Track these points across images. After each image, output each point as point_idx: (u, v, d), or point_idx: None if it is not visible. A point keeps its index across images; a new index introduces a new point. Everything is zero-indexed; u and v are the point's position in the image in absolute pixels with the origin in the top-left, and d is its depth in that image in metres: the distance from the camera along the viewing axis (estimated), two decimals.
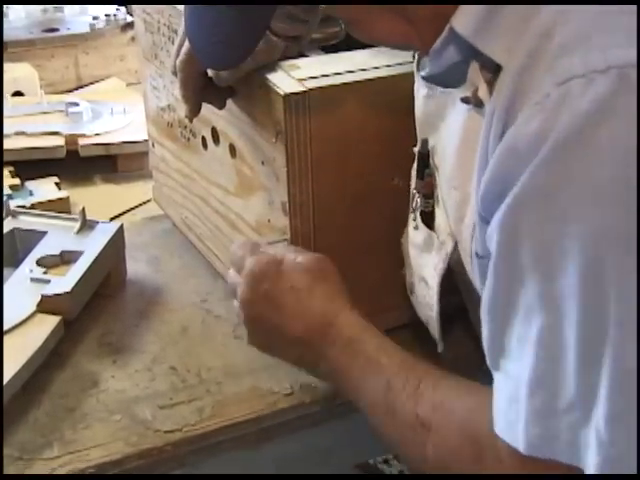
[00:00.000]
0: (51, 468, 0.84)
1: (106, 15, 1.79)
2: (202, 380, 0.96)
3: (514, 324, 0.67)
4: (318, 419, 0.95)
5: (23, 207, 1.20)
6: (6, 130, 1.41)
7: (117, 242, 1.11)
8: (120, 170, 1.44)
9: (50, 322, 0.97)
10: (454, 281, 0.89)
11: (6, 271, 1.06)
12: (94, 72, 1.75)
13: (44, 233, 1.11)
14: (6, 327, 0.95)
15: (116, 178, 1.43)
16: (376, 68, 0.92)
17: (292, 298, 0.85)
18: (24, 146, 1.39)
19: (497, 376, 0.70)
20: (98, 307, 1.07)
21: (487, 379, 0.71)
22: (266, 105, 0.91)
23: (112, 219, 1.24)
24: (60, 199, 1.28)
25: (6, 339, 0.93)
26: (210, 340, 1.03)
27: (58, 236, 1.10)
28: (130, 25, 1.75)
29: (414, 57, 0.84)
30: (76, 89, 1.72)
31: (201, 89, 0.96)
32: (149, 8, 1.15)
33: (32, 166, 1.35)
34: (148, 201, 1.33)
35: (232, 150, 1.02)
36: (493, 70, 0.69)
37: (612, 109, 0.60)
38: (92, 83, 1.75)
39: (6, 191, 1.26)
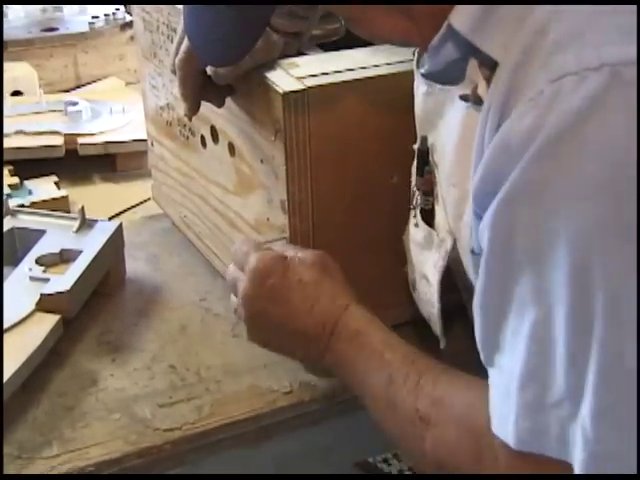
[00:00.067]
0: (50, 467, 0.84)
1: (105, 14, 1.79)
2: (201, 378, 0.96)
3: (508, 319, 0.67)
4: (317, 417, 0.95)
5: (22, 206, 1.20)
6: (5, 129, 1.41)
7: (116, 241, 1.11)
8: (119, 169, 1.44)
9: (49, 321, 0.97)
10: (453, 279, 0.89)
11: (5, 270, 1.06)
12: (93, 71, 1.75)
13: (43, 232, 1.11)
14: (5, 326, 0.95)
15: (115, 177, 1.43)
16: (375, 66, 0.92)
17: (299, 293, 0.86)
18: (23, 145, 1.39)
19: (492, 372, 0.70)
20: (97, 306, 1.07)
21: (486, 375, 0.71)
22: (265, 103, 0.91)
23: (111, 218, 1.24)
24: (59, 198, 1.28)
25: (5, 338, 0.93)
26: (209, 338, 1.03)
27: (57, 235, 1.10)
28: (129, 24, 1.74)
29: (414, 55, 0.84)
30: (75, 88, 1.72)
31: (200, 87, 0.96)
32: (148, 7, 1.15)
33: (31, 165, 1.35)
34: (147, 200, 1.33)
35: (231, 148, 1.02)
36: (491, 67, 0.69)
37: (604, 106, 0.60)
38: (91, 82, 1.74)
39: (5, 190, 1.26)
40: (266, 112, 0.91)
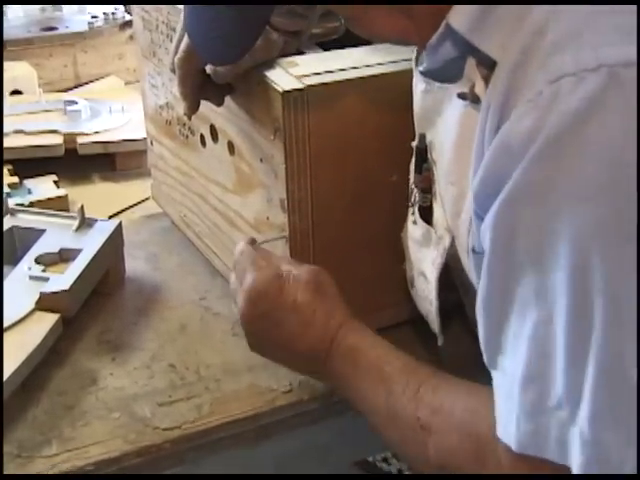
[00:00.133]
0: (50, 465, 0.84)
1: (104, 14, 1.79)
2: (201, 377, 0.96)
3: (510, 320, 0.67)
4: (317, 416, 0.95)
5: (22, 205, 1.20)
6: (5, 128, 1.41)
7: (116, 240, 1.11)
8: (119, 168, 1.44)
9: (49, 320, 0.97)
10: (451, 277, 0.89)
11: (5, 269, 1.06)
12: (92, 71, 1.75)
13: (43, 231, 1.11)
14: (5, 325, 0.95)
15: (115, 176, 1.43)
16: (375, 65, 0.92)
17: (294, 315, 0.85)
18: (23, 144, 1.39)
19: (495, 375, 0.70)
20: (97, 305, 1.07)
21: (485, 375, 0.71)
22: (264, 102, 0.91)
23: (111, 217, 1.24)
24: (59, 197, 1.28)
25: (5, 337, 0.93)
26: (209, 337, 1.03)
27: (57, 234, 1.10)
28: (128, 24, 1.75)
29: (414, 53, 0.84)
30: (74, 88, 1.72)
31: (199, 86, 0.96)
32: (147, 6, 1.15)
33: (31, 164, 1.35)
34: (147, 199, 1.33)
35: (231, 147, 1.02)
36: (489, 66, 0.69)
37: (602, 107, 0.60)
38: (90, 82, 1.75)
39: (5, 189, 1.26)
40: (265, 111, 0.91)
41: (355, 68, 0.91)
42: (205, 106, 0.99)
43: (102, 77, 1.76)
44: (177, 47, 0.94)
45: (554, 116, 0.61)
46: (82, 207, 1.12)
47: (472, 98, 0.73)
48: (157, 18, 1.12)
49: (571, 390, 0.63)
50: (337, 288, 0.88)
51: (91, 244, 1.07)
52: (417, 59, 0.81)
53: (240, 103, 0.97)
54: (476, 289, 0.72)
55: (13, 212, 1.14)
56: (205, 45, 0.84)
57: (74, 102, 1.51)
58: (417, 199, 0.88)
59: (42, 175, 1.33)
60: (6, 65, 1.61)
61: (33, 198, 1.26)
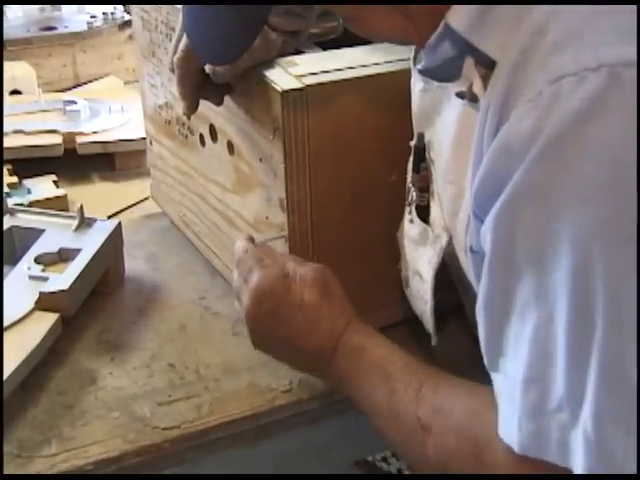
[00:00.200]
0: (50, 465, 0.84)
1: (103, 13, 1.79)
2: (200, 377, 0.96)
3: (511, 322, 0.67)
4: (316, 416, 0.95)
5: (21, 205, 1.20)
6: (4, 128, 1.41)
7: (115, 240, 1.11)
8: (118, 168, 1.44)
9: (48, 319, 0.97)
10: (450, 277, 0.89)
11: (4, 269, 1.06)
12: (92, 70, 1.75)
13: (42, 231, 1.11)
14: (4, 324, 0.95)
15: (114, 176, 1.43)
16: (374, 64, 0.92)
17: (301, 314, 0.86)
18: (22, 144, 1.39)
19: (496, 377, 0.70)
20: (96, 304, 1.07)
21: (480, 374, 0.72)
22: (264, 102, 0.91)
23: (110, 217, 1.24)
24: (58, 197, 1.28)
25: (5, 336, 0.93)
26: (208, 337, 1.03)
27: (56, 234, 1.10)
28: (128, 23, 1.75)
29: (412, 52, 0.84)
30: (74, 87, 1.72)
31: (198, 86, 0.96)
32: (147, 6, 1.15)
33: (30, 164, 1.35)
34: (146, 199, 1.33)
35: (230, 147, 1.02)
36: (488, 66, 0.69)
37: (603, 107, 0.60)
38: (90, 81, 1.75)
39: (4, 189, 1.26)
40: (265, 110, 0.91)
41: (354, 68, 0.91)
42: (204, 106, 0.99)
43: (101, 77, 1.76)
44: (176, 47, 0.94)
45: (555, 116, 0.61)
46: (81, 207, 1.12)
47: (470, 97, 0.73)
48: (156, 18, 1.12)
49: (572, 391, 0.63)
50: (342, 287, 0.88)
51: (90, 244, 1.07)
52: (415, 58, 0.81)
53: (239, 103, 0.97)
54: (474, 288, 0.72)
55: (12, 212, 1.14)
56: (204, 45, 0.84)
57: (73, 102, 1.51)
58: (414, 198, 0.88)
59: (41, 175, 1.33)
60: (5, 65, 1.60)
61: (32, 198, 1.26)
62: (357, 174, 0.94)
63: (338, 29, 0.96)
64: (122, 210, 1.32)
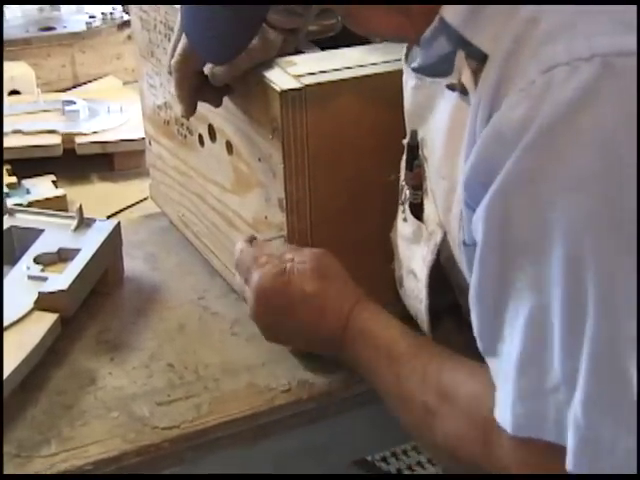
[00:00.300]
0: (49, 465, 0.84)
1: (102, 14, 1.79)
2: (199, 377, 0.96)
3: (507, 306, 0.67)
4: (315, 416, 0.95)
5: (20, 205, 1.20)
6: (3, 128, 1.41)
7: (114, 240, 1.11)
8: (117, 168, 1.44)
9: (47, 320, 0.97)
10: (447, 278, 0.89)
11: (4, 269, 1.06)
12: (91, 71, 1.75)
13: (41, 231, 1.11)
14: (4, 324, 0.95)
15: (113, 176, 1.43)
16: (372, 64, 0.92)
17: (305, 306, 0.87)
18: (21, 144, 1.39)
19: (493, 361, 0.71)
20: (95, 305, 1.07)
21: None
22: (263, 102, 0.91)
23: (109, 217, 1.24)
24: (57, 197, 1.28)
25: (4, 336, 0.93)
26: (207, 337, 1.03)
27: (55, 234, 1.10)
28: (127, 24, 1.75)
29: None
30: (73, 88, 1.72)
31: (196, 89, 0.96)
32: (145, 6, 1.15)
33: (29, 164, 1.35)
34: (145, 199, 1.33)
35: (229, 147, 1.02)
36: (479, 59, 0.70)
37: (596, 96, 0.61)
38: (89, 82, 1.74)
39: (3, 189, 1.26)
40: (264, 110, 0.91)
41: (352, 68, 0.92)
42: (203, 106, 0.99)
43: (100, 77, 1.75)
44: (174, 50, 0.94)
45: (547, 105, 0.62)
46: (80, 207, 1.12)
47: (460, 89, 0.73)
48: (155, 18, 1.12)
49: (567, 374, 0.64)
50: (342, 268, 0.88)
51: (90, 244, 1.07)
52: (407, 56, 0.82)
53: (238, 103, 0.97)
54: (469, 283, 0.72)
55: (11, 212, 1.14)
56: (202, 44, 0.84)
57: (72, 102, 1.50)
58: (407, 196, 0.88)
59: (40, 175, 1.33)
60: (4, 65, 1.60)
61: (31, 198, 1.26)
62: (356, 174, 0.94)
63: (336, 27, 0.96)
64: (121, 210, 1.32)
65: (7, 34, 1.71)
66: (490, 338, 0.70)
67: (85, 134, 1.43)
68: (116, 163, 1.44)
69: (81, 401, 0.92)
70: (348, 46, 0.96)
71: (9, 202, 1.18)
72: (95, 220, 1.12)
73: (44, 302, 0.98)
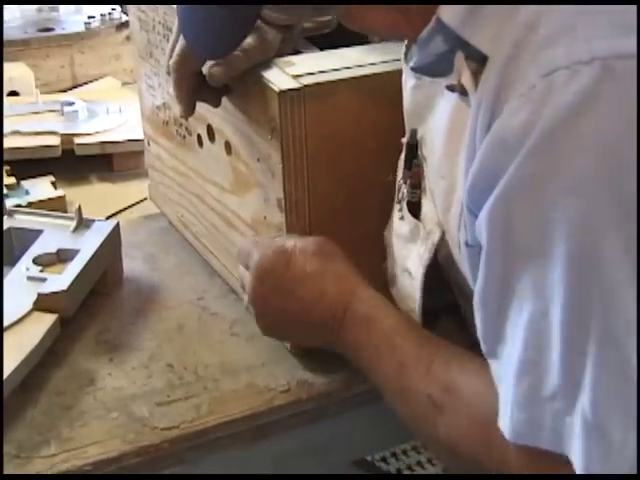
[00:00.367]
0: (49, 465, 0.84)
1: (101, 14, 1.79)
2: (199, 377, 0.96)
3: (509, 311, 0.67)
4: (314, 416, 0.95)
5: (19, 206, 1.20)
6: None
7: (113, 240, 1.11)
8: (116, 169, 1.44)
9: (47, 320, 0.97)
10: (445, 278, 0.89)
11: (3, 270, 1.06)
12: (89, 71, 1.75)
13: (40, 232, 1.11)
14: (3, 325, 0.95)
15: (112, 177, 1.43)
16: (371, 64, 0.92)
17: (305, 285, 0.86)
18: (20, 145, 1.39)
19: (495, 364, 0.71)
20: (95, 305, 1.07)
21: None
22: (261, 102, 0.91)
23: (108, 217, 1.24)
24: (56, 198, 1.28)
25: (3, 337, 0.93)
26: (207, 337, 1.03)
27: (54, 234, 1.10)
28: (125, 24, 1.75)
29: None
30: (71, 88, 1.72)
31: (195, 89, 0.96)
32: (144, 6, 1.15)
33: (28, 165, 1.35)
34: (144, 199, 1.33)
35: (228, 147, 1.02)
36: (479, 61, 0.69)
37: (596, 100, 0.61)
38: (88, 82, 1.74)
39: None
40: (262, 110, 0.91)
41: (351, 67, 0.92)
42: (202, 106, 0.99)
43: (99, 78, 1.75)
44: (172, 50, 0.95)
45: (548, 110, 0.62)
46: (80, 208, 1.12)
47: (460, 90, 0.73)
48: (154, 18, 1.12)
49: (568, 378, 0.64)
50: (344, 253, 0.88)
51: (89, 244, 1.07)
52: (406, 55, 0.82)
53: (237, 103, 0.97)
54: (469, 283, 0.72)
55: (11, 213, 1.14)
56: (198, 38, 0.84)
57: (71, 103, 1.50)
58: (405, 195, 0.88)
59: (39, 176, 1.33)
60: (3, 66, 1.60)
61: (31, 199, 1.26)
62: (355, 173, 0.94)
63: (332, 23, 0.96)
64: (120, 211, 1.32)
65: (6, 35, 1.70)
66: (493, 341, 0.70)
67: (84, 135, 1.43)
68: (115, 164, 1.44)
69: (81, 402, 0.92)
70: (346, 45, 0.96)
71: (8, 203, 1.18)
72: (94, 221, 1.12)
73: (43, 303, 0.98)
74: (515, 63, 0.66)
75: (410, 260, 0.88)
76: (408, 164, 0.86)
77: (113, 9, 1.81)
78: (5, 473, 0.83)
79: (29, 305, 0.98)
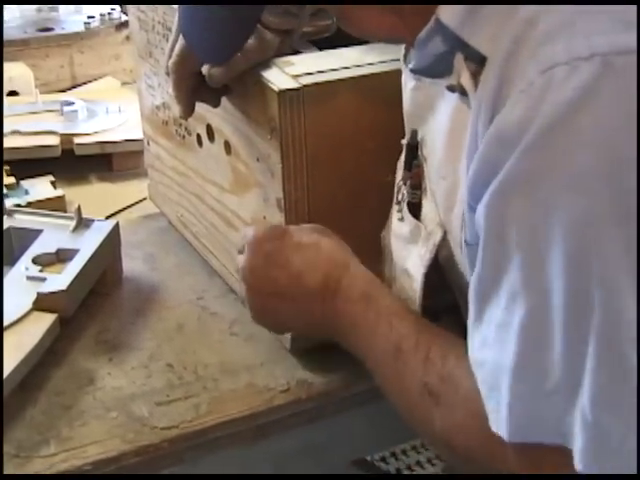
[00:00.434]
0: (48, 465, 0.84)
1: (101, 14, 1.79)
2: (198, 377, 0.96)
3: (495, 310, 0.67)
4: (314, 416, 0.95)
5: (19, 206, 1.20)
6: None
7: (113, 240, 1.11)
8: (115, 169, 1.44)
9: (46, 320, 0.97)
10: (445, 279, 0.89)
11: (3, 269, 1.06)
12: (89, 71, 1.75)
13: (40, 231, 1.11)
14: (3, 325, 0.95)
15: (112, 176, 1.43)
16: (370, 64, 0.92)
17: (299, 254, 0.85)
18: (19, 145, 1.39)
19: (474, 367, 0.70)
20: (94, 305, 1.07)
21: None
22: (261, 102, 0.91)
23: (108, 217, 1.24)
24: (56, 198, 1.28)
25: (3, 337, 0.93)
26: (206, 337, 1.03)
27: (54, 234, 1.10)
28: (125, 24, 1.75)
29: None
30: (71, 88, 1.72)
31: (194, 89, 0.96)
32: (144, 6, 1.15)
33: (27, 165, 1.35)
34: (144, 199, 1.33)
35: (227, 147, 1.02)
36: (478, 61, 0.69)
37: (596, 96, 0.61)
38: (87, 82, 1.75)
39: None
40: (262, 110, 0.91)
41: (351, 67, 0.92)
42: (201, 106, 0.99)
43: (99, 78, 1.75)
44: (171, 51, 0.95)
45: (547, 105, 0.62)
46: (79, 207, 1.12)
47: (460, 90, 0.73)
48: (153, 18, 1.13)
49: (570, 374, 0.64)
50: (341, 239, 0.88)
51: (88, 244, 1.07)
52: (405, 57, 0.82)
53: (236, 103, 0.97)
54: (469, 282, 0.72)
55: (10, 213, 1.14)
56: (199, 44, 0.84)
57: (71, 103, 1.51)
58: (405, 196, 0.88)
59: (39, 176, 1.33)
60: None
61: (30, 199, 1.26)
62: (355, 173, 0.94)
63: (331, 27, 0.96)
64: (120, 210, 1.32)
65: (6, 35, 1.71)
66: (473, 339, 0.70)
67: (84, 135, 1.43)
68: (115, 163, 1.44)
69: (80, 401, 0.92)
70: (345, 46, 0.96)
71: (8, 203, 1.18)
72: (94, 220, 1.12)
73: (43, 302, 0.98)
74: (514, 59, 0.66)
75: (410, 261, 0.88)
76: (408, 165, 0.86)
77: (113, 9, 1.81)
78: (5, 473, 0.83)
79: (29, 305, 0.98)
